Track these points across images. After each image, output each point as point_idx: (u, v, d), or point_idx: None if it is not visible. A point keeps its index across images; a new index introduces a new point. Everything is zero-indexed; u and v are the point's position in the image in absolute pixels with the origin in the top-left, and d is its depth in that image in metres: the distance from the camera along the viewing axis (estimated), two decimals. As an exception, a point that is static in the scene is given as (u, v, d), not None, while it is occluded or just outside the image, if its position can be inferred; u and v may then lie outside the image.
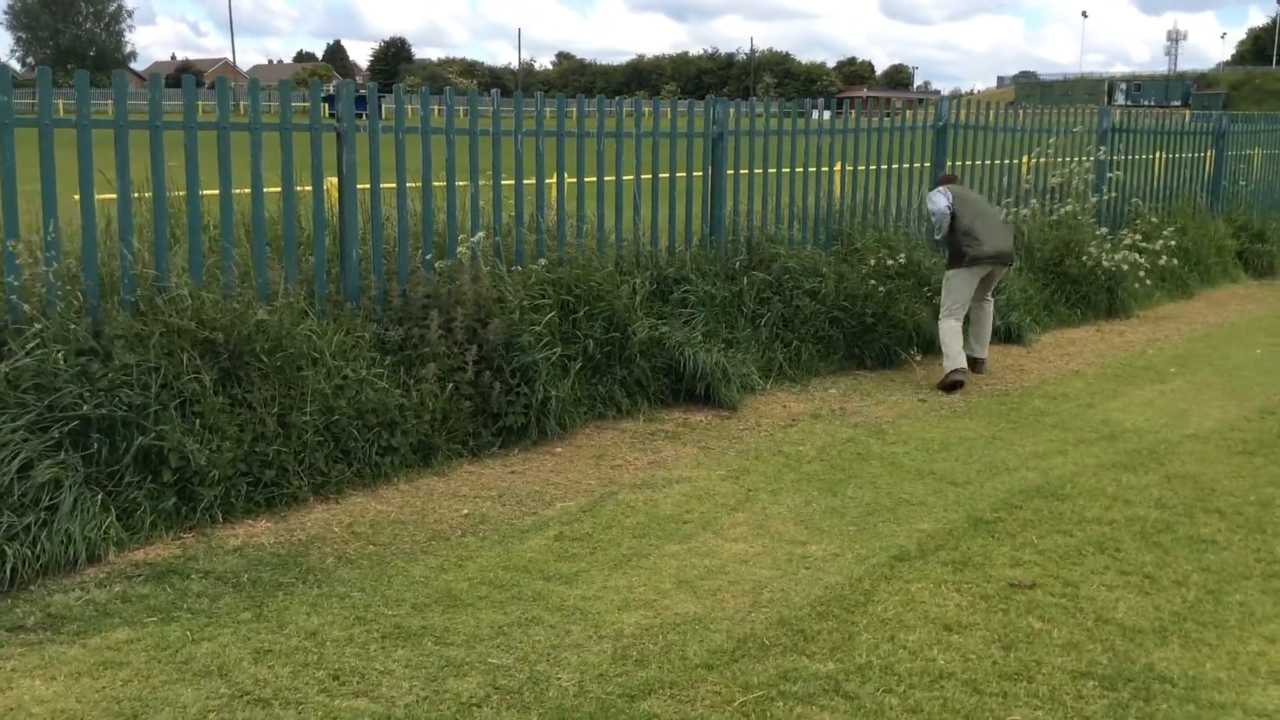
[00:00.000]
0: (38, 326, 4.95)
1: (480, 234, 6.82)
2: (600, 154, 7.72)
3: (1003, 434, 6.96)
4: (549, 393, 6.42)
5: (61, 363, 4.89)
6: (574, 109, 7.57)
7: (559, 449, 6.39)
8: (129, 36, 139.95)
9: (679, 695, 3.71)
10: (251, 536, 4.98)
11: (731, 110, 8.65)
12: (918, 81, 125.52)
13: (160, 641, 3.97)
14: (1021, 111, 11.88)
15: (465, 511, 5.42)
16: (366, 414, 5.73)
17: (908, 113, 10.95)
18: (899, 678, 3.84)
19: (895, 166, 10.08)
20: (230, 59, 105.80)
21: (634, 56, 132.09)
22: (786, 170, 9.05)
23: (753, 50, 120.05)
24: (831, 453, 6.49)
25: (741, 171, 8.76)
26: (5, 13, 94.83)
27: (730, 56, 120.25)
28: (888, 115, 10.68)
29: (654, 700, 3.67)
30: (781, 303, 8.17)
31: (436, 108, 6.82)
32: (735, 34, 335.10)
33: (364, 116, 6.58)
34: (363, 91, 6.98)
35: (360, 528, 5.16)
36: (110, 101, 5.57)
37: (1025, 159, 11.66)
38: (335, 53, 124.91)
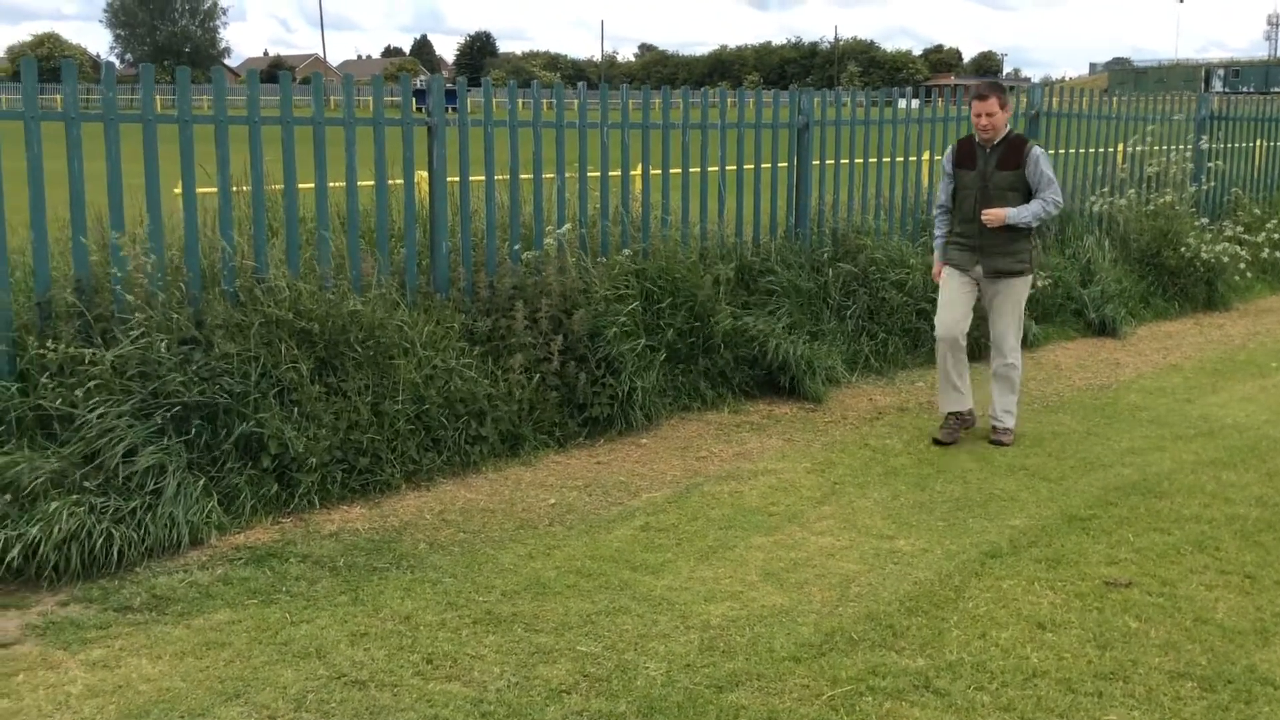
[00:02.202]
0: (142, 316, 5.11)
1: (567, 226, 6.87)
2: (685, 145, 7.72)
3: (1097, 429, 6.81)
4: (634, 383, 6.45)
5: (164, 351, 5.04)
6: (658, 101, 7.58)
7: (644, 440, 6.42)
8: (223, 33, 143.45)
9: (766, 687, 3.71)
10: (347, 522, 5.10)
11: (817, 100, 8.58)
12: (1007, 69, 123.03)
13: (261, 623, 4.09)
14: (1116, 99, 11.59)
15: (552, 501, 5.48)
16: (456, 403, 5.82)
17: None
18: (991, 675, 3.79)
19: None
20: (320, 54, 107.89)
21: (716, 47, 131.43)
22: (873, 160, 8.95)
23: (837, 38, 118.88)
24: (919, 447, 6.42)
25: (827, 162, 8.69)
26: (105, 10, 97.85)
27: (814, 45, 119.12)
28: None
29: (741, 692, 3.68)
30: (868, 294, 8.09)
31: (522, 101, 6.90)
32: (818, 22, 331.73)
33: (453, 110, 6.67)
34: (452, 86, 7.07)
35: (451, 515, 5.24)
36: (205, 97, 5.72)
37: (1120, 147, 11.38)
38: (422, 48, 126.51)
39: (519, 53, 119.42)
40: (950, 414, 6.53)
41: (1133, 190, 10.89)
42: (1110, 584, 4.53)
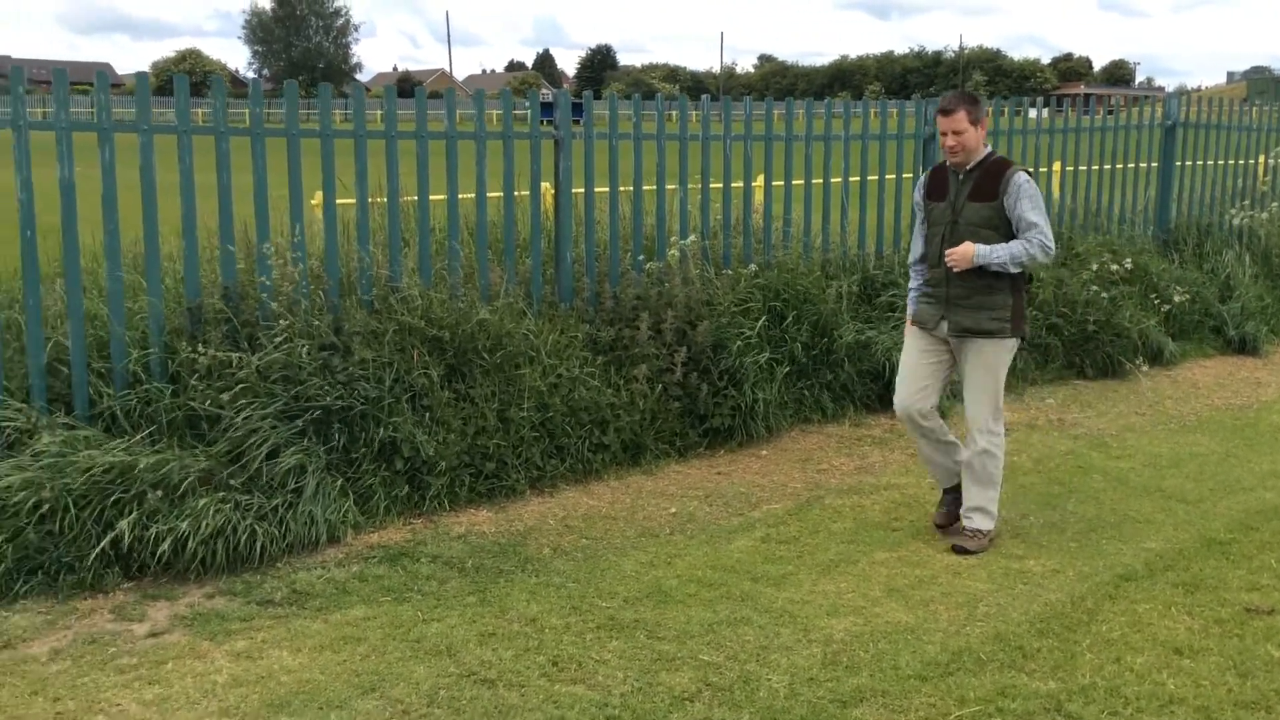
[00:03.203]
0: (285, 323, 5.33)
1: (692, 237, 6.92)
2: (808, 157, 7.70)
3: (1237, 450, 6.56)
4: (756, 395, 6.45)
5: (305, 357, 5.25)
6: (781, 112, 7.58)
7: (765, 451, 6.42)
8: (354, 49, 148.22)
9: (891, 705, 3.68)
10: (474, 525, 5.22)
11: (945, 111, 8.44)
12: (1139, 77, 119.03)
13: (394, 620, 4.22)
14: (1255, 108, 11.15)
15: (673, 510, 5.52)
16: (579, 411, 5.91)
17: (1132, 110, 10.44)
18: (1125, 700, 3.69)
19: (1119, 167, 9.64)
20: (447, 69, 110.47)
21: (836, 57, 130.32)
22: (1002, 172, 8.77)
23: (962, 47, 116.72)
24: (1049, 465, 6.27)
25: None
26: (243, 27, 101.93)
27: (937, 54, 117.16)
28: (1109, 113, 10.21)
29: (865, 708, 3.66)
30: (995, 308, 7.92)
31: (643, 114, 6.98)
32: (942, 31, 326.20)
33: (579, 123, 6.79)
34: (578, 100, 7.21)
35: (573, 521, 5.33)
36: (337, 112, 5.91)
37: (1261, 159, 10.93)
38: (544, 61, 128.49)
39: (638, 65, 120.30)
40: (947, 490, 5.34)
41: (1275, 204, 10.46)
42: (1251, 611, 4.37)
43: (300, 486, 4.93)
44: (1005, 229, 4.94)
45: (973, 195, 4.98)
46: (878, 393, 7.19)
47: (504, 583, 4.60)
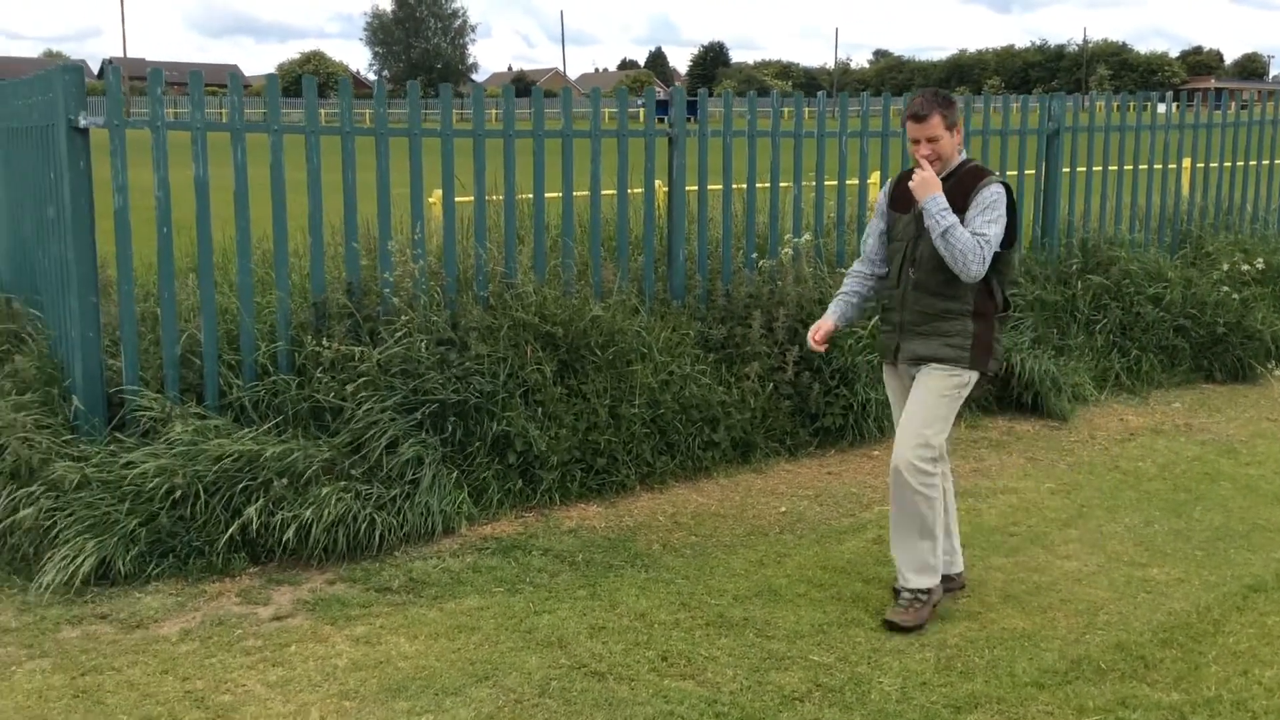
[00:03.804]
0: (405, 318, 5.46)
1: (806, 235, 6.87)
2: (927, 154, 7.56)
3: (1380, 460, 6.24)
4: (868, 395, 6.38)
5: (424, 351, 5.37)
6: (898, 107, 7.47)
7: (876, 452, 6.34)
8: (470, 49, 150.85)
9: (1007, 712, 3.61)
10: (584, 519, 5.28)
11: (1069, 105, 8.24)
12: (1274, 70, 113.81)
13: (507, 610, 4.30)
14: None
15: (783, 509, 5.49)
16: (690, 409, 5.92)
17: (1266, 105, 10.01)
18: (1252, 715, 3.56)
19: (1252, 163, 9.25)
20: (561, 68, 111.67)
21: (954, 51, 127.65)
22: (1127, 168, 8.51)
23: (1085, 40, 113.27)
24: (1175, 471, 6.06)
25: (1077, 170, 8.32)
26: (365, 29, 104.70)
27: (1060, 48, 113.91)
28: (1242, 108, 9.80)
29: (980, 714, 3.59)
30: (1120, 309, 7.70)
31: (742, 109, 6.94)
32: (1065, 24, 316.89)
33: (693, 120, 6.80)
34: (692, 98, 7.21)
35: (683, 518, 5.34)
36: (455, 111, 6.00)
37: None
38: (656, 60, 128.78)
39: (751, 62, 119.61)
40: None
41: None
42: (1396, 629, 4.16)
43: (417, 478, 5.05)
44: None
45: None
46: (995, 394, 7.05)
47: (614, 577, 4.64)
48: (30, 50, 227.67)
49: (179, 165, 5.10)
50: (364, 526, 4.77)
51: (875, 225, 4.55)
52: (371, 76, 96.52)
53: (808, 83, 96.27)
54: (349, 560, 4.73)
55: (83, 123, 4.93)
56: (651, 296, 6.47)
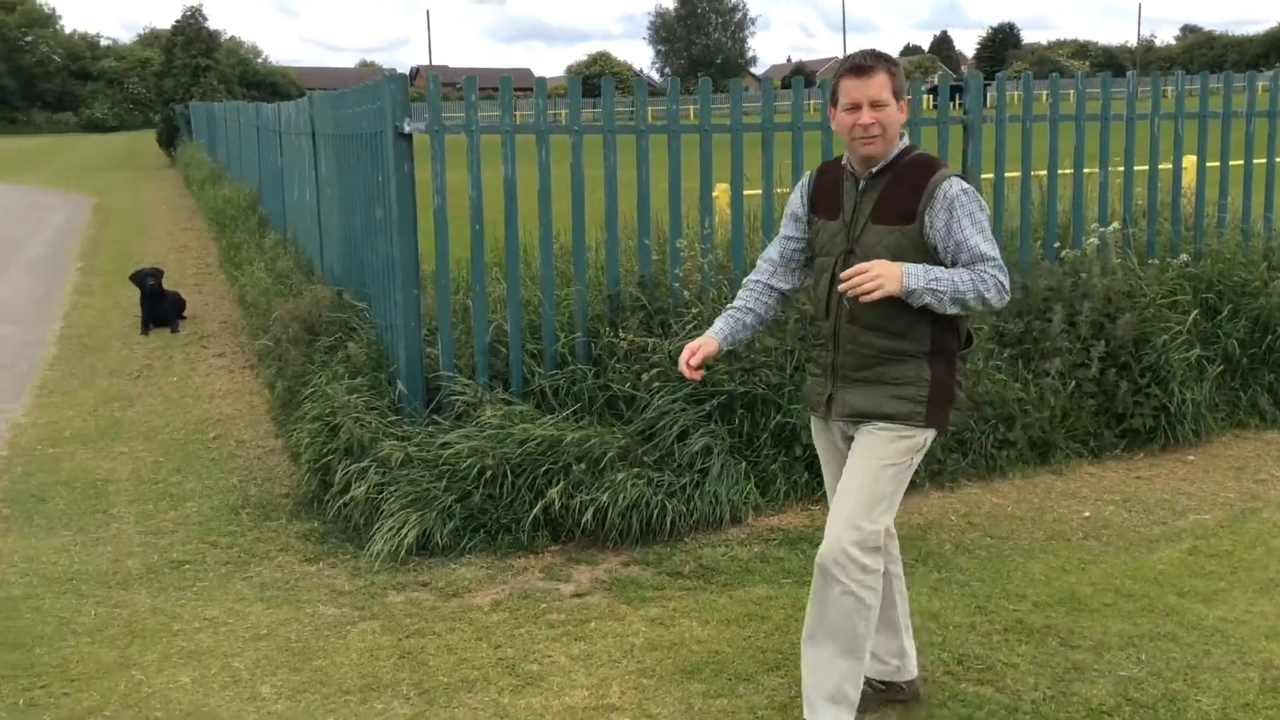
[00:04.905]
0: (695, 310, 5.58)
1: (1114, 225, 6.49)
2: (1249, 135, 6.97)
3: None
4: (1184, 395, 5.95)
5: (713, 343, 5.45)
6: (1217, 86, 6.90)
7: (1191, 456, 5.91)
8: (750, 43, 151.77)
9: (1349, 745, 3.29)
10: (873, 515, 5.21)
11: None
12: None
13: (795, 602, 4.31)
14: None
15: (1086, 514, 5.22)
16: (983, 406, 5.73)
17: None
18: None
19: None
20: (841, 57, 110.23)
21: (1274, 25, 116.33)
22: None
23: None
24: None
25: None
26: (648, 28, 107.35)
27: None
28: None
29: (1316, 745, 3.29)
30: None
31: (1045, 93, 6.60)
32: None
33: (957, 105, 6.54)
34: (987, 82, 6.96)
35: (976, 519, 5.18)
36: (756, 104, 6.05)
37: None
38: (941, 44, 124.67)
39: (1044, 42, 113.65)
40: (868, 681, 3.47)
41: None
42: None
43: (706, 467, 5.15)
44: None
45: (878, 213, 3.22)
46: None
47: (905, 575, 4.55)
48: (348, 61, 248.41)
49: (487, 165, 5.42)
50: (656, 512, 4.92)
51: (785, 230, 3.48)
52: (655, 76, 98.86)
53: (1107, 62, 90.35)
54: (641, 544, 4.89)
55: (407, 128, 5.33)
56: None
